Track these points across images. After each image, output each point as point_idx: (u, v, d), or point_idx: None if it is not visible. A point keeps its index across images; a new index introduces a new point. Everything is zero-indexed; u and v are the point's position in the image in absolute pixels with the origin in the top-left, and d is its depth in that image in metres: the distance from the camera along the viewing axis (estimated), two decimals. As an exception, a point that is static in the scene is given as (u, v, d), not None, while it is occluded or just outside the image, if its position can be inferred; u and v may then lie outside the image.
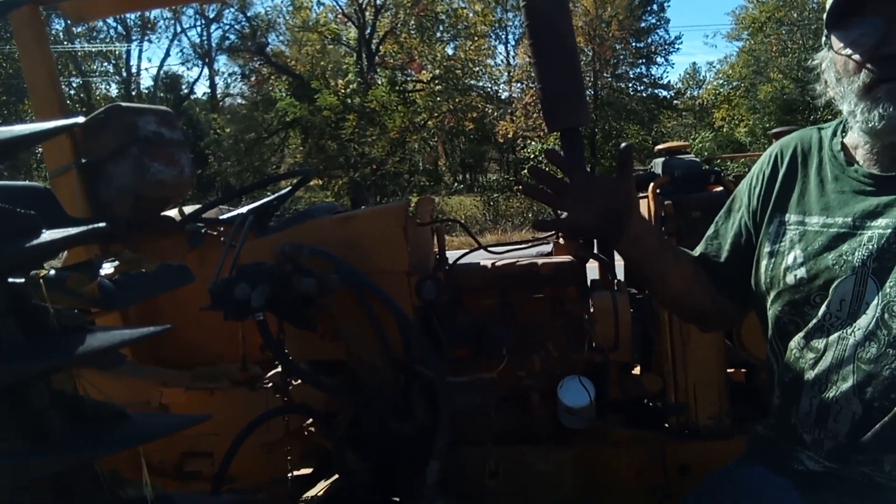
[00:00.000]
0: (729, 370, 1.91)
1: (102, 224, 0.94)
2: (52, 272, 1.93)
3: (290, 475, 1.94)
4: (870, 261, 1.07)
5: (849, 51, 1.08)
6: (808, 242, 1.14)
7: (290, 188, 2.42)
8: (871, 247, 1.07)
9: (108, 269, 2.04)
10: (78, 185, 2.48)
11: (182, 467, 2.14)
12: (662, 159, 2.00)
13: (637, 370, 2.06)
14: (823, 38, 1.17)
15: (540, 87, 2.22)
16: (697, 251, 1.37)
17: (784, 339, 1.20)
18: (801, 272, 1.13)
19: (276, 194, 2.35)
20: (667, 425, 1.90)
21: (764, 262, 1.20)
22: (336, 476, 1.93)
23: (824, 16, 1.13)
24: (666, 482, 1.84)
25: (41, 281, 0.84)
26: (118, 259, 2.10)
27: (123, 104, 2.56)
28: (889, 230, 1.06)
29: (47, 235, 0.84)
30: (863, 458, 1.07)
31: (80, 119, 1.24)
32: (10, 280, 0.85)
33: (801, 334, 1.15)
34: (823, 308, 1.11)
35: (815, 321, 1.12)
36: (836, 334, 1.09)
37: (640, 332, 1.91)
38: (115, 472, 0.79)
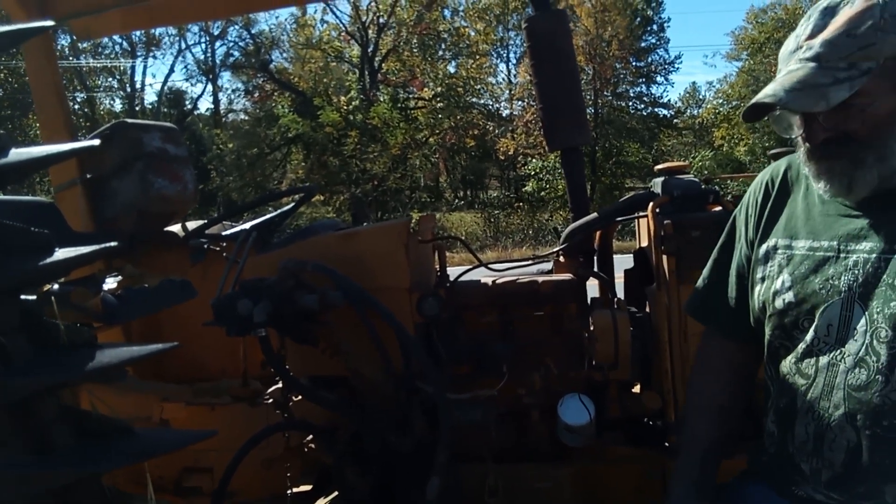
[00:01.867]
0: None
1: (114, 243, 0.95)
2: (56, 286, 1.95)
3: (290, 491, 1.94)
4: (855, 286, 1.08)
5: (788, 133, 1.16)
6: (794, 266, 1.16)
7: (293, 204, 2.44)
8: (856, 272, 1.08)
9: (111, 283, 2.06)
10: (83, 200, 2.50)
11: (182, 483, 2.13)
12: (662, 179, 2.02)
13: (637, 388, 2.06)
14: None
15: (541, 106, 2.27)
16: (695, 295, 1.39)
17: (775, 362, 1.21)
18: (789, 296, 1.15)
19: (280, 210, 2.37)
20: (667, 444, 1.90)
21: (757, 288, 1.22)
22: (336, 492, 1.93)
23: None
24: (665, 500, 1.84)
25: (53, 298, 0.86)
26: (121, 274, 2.12)
27: (129, 121, 2.59)
28: (873, 255, 1.07)
29: (60, 254, 0.85)
30: (863, 488, 1.06)
31: (97, 142, 1.26)
32: (22, 297, 0.86)
33: (791, 358, 1.16)
34: (811, 333, 1.12)
35: (804, 346, 1.13)
36: (825, 359, 1.10)
37: (640, 351, 1.91)
38: (116, 487, 0.80)
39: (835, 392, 1.08)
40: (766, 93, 1.08)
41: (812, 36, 1.07)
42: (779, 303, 1.16)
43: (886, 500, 1.05)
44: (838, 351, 1.09)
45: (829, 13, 1.07)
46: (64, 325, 0.81)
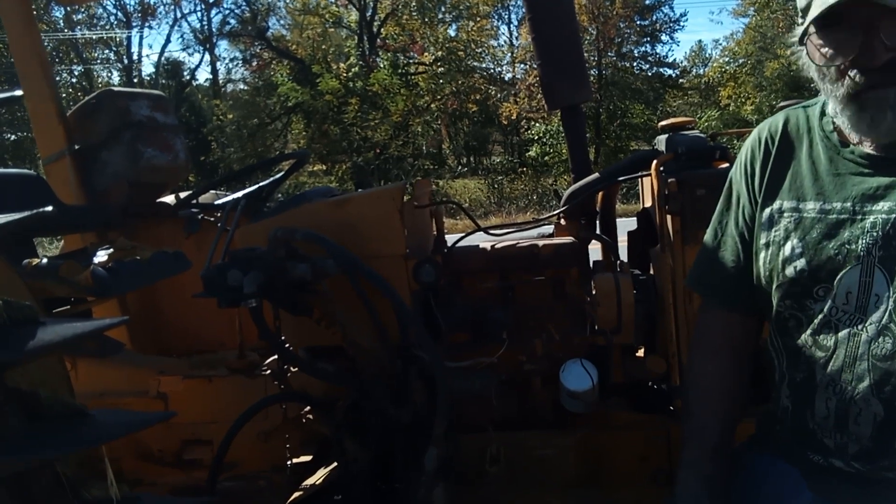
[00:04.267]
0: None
1: (49, 208, 0.90)
2: (45, 260, 1.90)
3: (289, 462, 1.92)
4: (875, 249, 1.01)
5: (829, 55, 1.03)
6: (805, 231, 1.08)
7: (284, 171, 2.38)
8: (874, 234, 1.01)
9: (102, 256, 2.02)
10: (72, 171, 2.45)
11: (182, 455, 2.12)
12: (666, 136, 1.95)
13: (641, 352, 2.02)
14: (799, 27, 1.10)
15: (540, 63, 2.18)
16: (696, 268, 1.30)
17: (784, 335, 1.13)
18: (801, 263, 1.07)
19: (271, 178, 2.31)
20: (671, 408, 1.87)
21: (762, 255, 1.14)
22: (335, 463, 1.91)
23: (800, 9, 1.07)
24: (670, 466, 1.81)
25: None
26: (113, 246, 2.07)
27: (116, 89, 2.53)
28: (893, 215, 1.00)
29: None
30: (889, 462, 1.01)
31: (19, 92, 1.18)
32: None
33: (807, 331, 1.08)
34: (829, 302, 1.05)
35: (821, 316, 1.06)
36: (845, 330, 1.03)
37: (644, 314, 1.87)
38: (79, 471, 0.76)
39: (858, 363, 1.02)
40: None
41: None
42: (790, 271, 1.08)
43: None
44: (859, 320, 1.02)
45: None
46: (3, 301, 0.76)
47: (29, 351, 0.71)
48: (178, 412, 1.58)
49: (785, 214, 1.11)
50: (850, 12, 0.98)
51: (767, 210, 1.14)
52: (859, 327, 1.02)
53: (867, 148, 1.06)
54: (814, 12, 1.01)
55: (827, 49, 1.03)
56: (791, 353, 1.12)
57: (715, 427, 1.21)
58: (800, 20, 1.09)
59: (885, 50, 0.97)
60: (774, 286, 1.12)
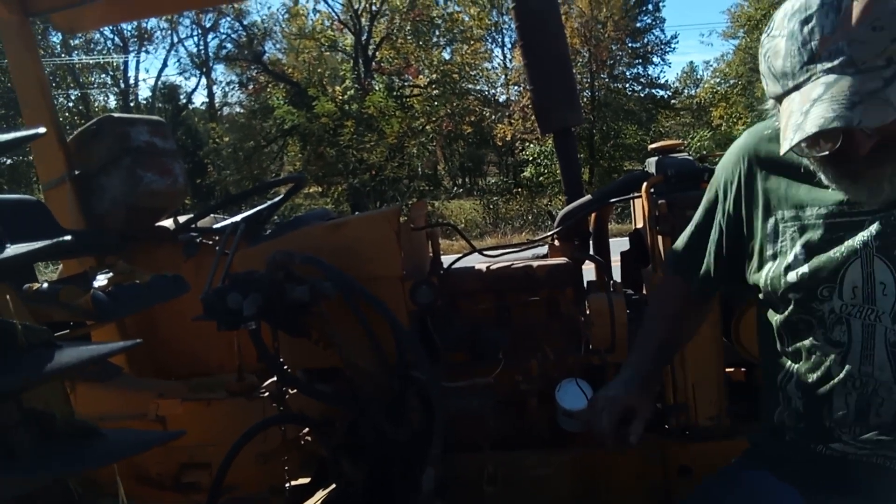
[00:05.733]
0: (728, 369, 1.90)
1: (68, 237, 0.92)
2: (46, 285, 1.92)
3: (288, 484, 1.92)
4: (871, 240, 1.03)
5: (809, 147, 0.98)
6: (807, 236, 1.10)
7: (282, 195, 2.41)
8: (870, 228, 1.03)
9: (101, 280, 2.03)
10: (72, 197, 2.47)
11: (180, 478, 2.12)
12: (656, 158, 1.99)
13: (635, 371, 2.04)
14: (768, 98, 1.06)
15: (532, 88, 2.23)
16: (683, 266, 1.37)
17: (796, 339, 1.14)
18: (804, 268, 1.09)
19: (269, 202, 2.34)
20: (666, 426, 1.88)
21: (768, 265, 1.15)
22: (333, 485, 1.91)
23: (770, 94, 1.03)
24: (666, 483, 1.82)
25: (7, 297, 0.83)
26: (112, 270, 2.09)
27: (115, 115, 2.56)
28: (887, 209, 1.02)
29: (11, 250, 0.82)
30: None
31: (42, 130, 1.20)
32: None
33: (818, 332, 1.10)
34: (836, 300, 1.06)
35: (832, 315, 1.07)
36: (858, 323, 1.05)
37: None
38: (90, 486, 0.77)
39: (876, 354, 1.04)
40: (826, 116, 0.90)
41: (825, 41, 0.92)
42: (792, 276, 1.10)
43: None
44: (870, 311, 1.04)
45: (832, 10, 0.92)
46: (21, 326, 0.78)
47: (47, 373, 0.73)
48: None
49: (788, 223, 1.13)
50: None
51: (771, 221, 1.15)
52: (872, 318, 1.04)
53: None
54: (794, 137, 0.95)
55: (806, 143, 0.97)
56: (801, 356, 1.13)
57: (661, 338, 1.40)
58: (768, 100, 1.06)
59: (867, 137, 0.95)
60: (779, 294, 1.13)
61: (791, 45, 0.96)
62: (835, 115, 0.90)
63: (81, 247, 2.02)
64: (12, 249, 0.84)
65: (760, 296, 1.21)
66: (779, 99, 1.01)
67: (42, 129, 1.15)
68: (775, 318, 1.18)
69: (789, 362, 1.16)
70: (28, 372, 0.74)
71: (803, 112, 0.93)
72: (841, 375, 1.07)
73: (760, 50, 1.03)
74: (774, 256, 1.14)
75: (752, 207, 1.19)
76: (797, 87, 0.96)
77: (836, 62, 0.92)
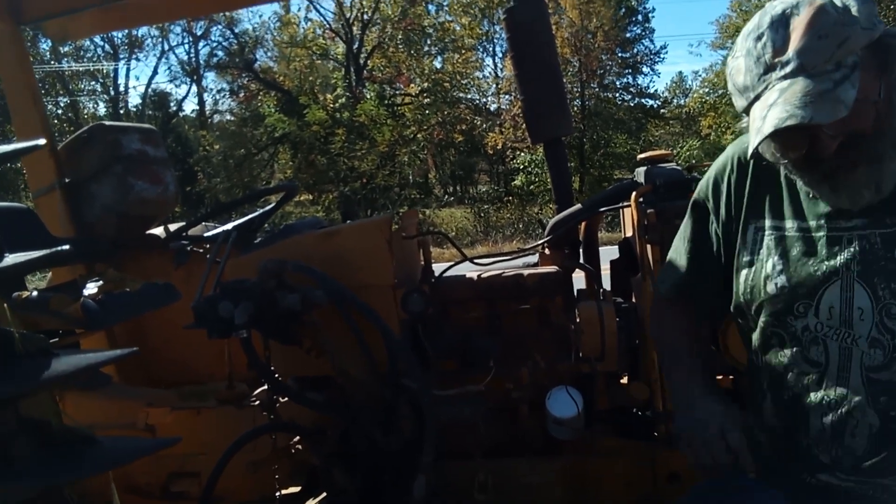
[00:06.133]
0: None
1: (66, 247, 0.93)
2: (35, 293, 1.91)
3: (278, 493, 1.92)
4: (853, 264, 1.05)
5: (780, 153, 1.07)
6: (785, 248, 1.12)
7: (274, 204, 2.42)
8: (851, 249, 1.05)
9: (91, 288, 2.03)
10: (62, 204, 2.46)
11: (169, 488, 2.11)
12: (645, 168, 2.01)
13: (625, 379, 2.05)
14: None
15: (523, 98, 2.25)
16: (675, 278, 1.35)
17: (768, 353, 1.16)
18: (782, 280, 1.11)
19: (261, 210, 2.34)
20: (655, 434, 1.90)
21: (744, 272, 1.17)
22: (324, 494, 1.91)
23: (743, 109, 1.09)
24: (655, 491, 1.83)
25: (5, 305, 0.83)
26: (102, 278, 2.09)
27: (107, 123, 2.55)
28: (867, 231, 1.05)
29: (10, 259, 0.82)
30: (892, 474, 1.04)
31: (42, 142, 1.20)
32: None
33: (793, 349, 1.11)
34: (811, 318, 1.08)
35: (808, 333, 1.09)
36: (834, 344, 1.06)
37: (627, 342, 1.91)
38: (84, 495, 0.77)
39: (852, 377, 1.05)
40: (780, 116, 0.97)
41: (777, 52, 1.00)
42: (771, 287, 1.12)
43: None
44: (847, 334, 1.05)
45: (781, 25, 1.01)
46: (18, 334, 0.78)
47: (44, 381, 0.73)
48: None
49: (767, 233, 1.15)
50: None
51: (750, 228, 1.18)
52: (849, 341, 1.05)
53: None
54: (755, 140, 1.02)
55: (774, 150, 1.06)
56: (776, 371, 1.14)
57: (697, 356, 1.31)
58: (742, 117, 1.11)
59: (830, 138, 1.01)
60: (755, 304, 1.15)
61: (749, 62, 1.04)
62: (788, 114, 0.97)
63: (72, 255, 2.01)
64: (11, 259, 0.84)
65: (733, 305, 1.21)
66: (746, 112, 1.07)
67: (42, 141, 1.16)
68: (748, 329, 1.19)
69: (767, 378, 1.17)
70: (26, 380, 0.74)
71: (762, 118, 1.00)
72: (818, 395, 1.09)
73: (726, 71, 1.11)
74: (751, 264, 1.16)
75: (739, 213, 1.21)
76: (757, 98, 1.03)
77: (788, 69, 1.00)
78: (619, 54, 23.36)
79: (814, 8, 0.99)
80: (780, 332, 1.13)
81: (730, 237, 1.24)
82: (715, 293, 1.27)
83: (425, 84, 20.58)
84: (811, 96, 0.96)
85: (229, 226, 2.31)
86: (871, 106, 1.00)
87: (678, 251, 1.35)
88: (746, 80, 1.04)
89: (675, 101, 27.80)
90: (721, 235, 1.25)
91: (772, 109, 0.99)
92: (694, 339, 1.34)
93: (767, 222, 1.16)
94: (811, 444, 1.10)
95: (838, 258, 1.06)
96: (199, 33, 24.73)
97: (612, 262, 2.23)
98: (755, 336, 1.18)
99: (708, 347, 1.40)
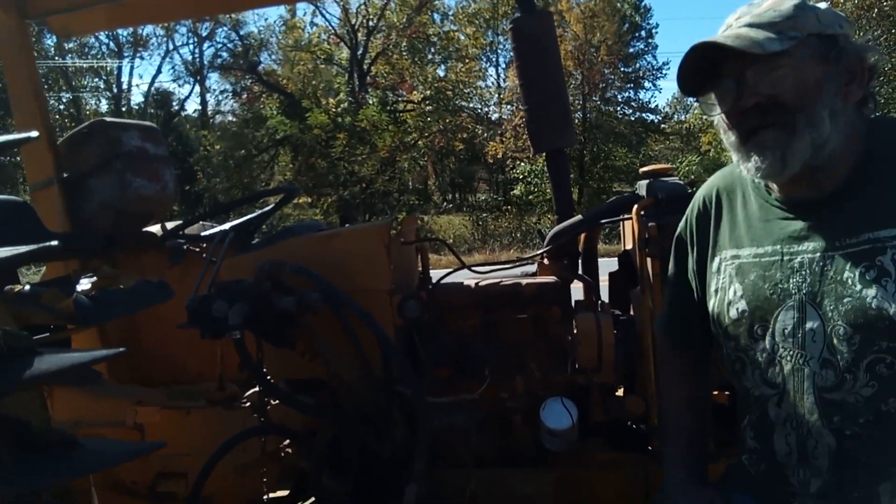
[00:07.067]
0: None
1: (55, 242, 0.91)
2: (28, 287, 1.89)
3: (265, 497, 1.90)
4: (804, 286, 1.08)
5: (717, 111, 1.14)
6: (743, 275, 1.16)
7: (272, 205, 2.40)
8: (803, 273, 1.08)
9: (85, 284, 2.01)
10: (59, 199, 2.45)
11: (155, 488, 2.08)
12: (646, 181, 2.01)
13: (620, 392, 2.04)
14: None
15: (526, 108, 2.24)
16: (666, 314, 1.40)
17: (735, 377, 1.20)
18: (742, 305, 1.15)
19: (259, 212, 2.33)
20: (650, 448, 1.88)
21: (712, 301, 1.22)
22: (313, 499, 1.89)
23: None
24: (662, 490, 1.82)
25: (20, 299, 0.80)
26: (97, 275, 2.07)
27: (108, 119, 2.55)
28: (817, 254, 1.07)
29: (-1, 253, 0.80)
30: (858, 493, 1.04)
31: (35, 134, 1.20)
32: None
33: (754, 370, 1.14)
34: (769, 340, 1.11)
35: (765, 355, 1.12)
36: (789, 366, 1.09)
37: (624, 354, 1.89)
38: (64, 495, 0.75)
39: (806, 397, 1.07)
40: (714, 40, 1.07)
41: (737, 17, 1.12)
42: (733, 313, 1.16)
43: (883, 502, 1.02)
44: (800, 355, 1.08)
45: (754, 5, 1.12)
46: (2, 332, 0.76)
47: (26, 380, 0.71)
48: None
49: (728, 262, 1.20)
50: (725, 67, 1.10)
51: (717, 259, 1.23)
52: (801, 362, 1.08)
53: (788, 194, 1.14)
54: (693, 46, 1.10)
55: (713, 104, 1.14)
56: (744, 394, 1.18)
57: (693, 427, 1.34)
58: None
59: (752, 94, 1.07)
60: (722, 330, 1.20)
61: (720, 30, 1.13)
62: (714, 39, 1.08)
63: (66, 249, 1.99)
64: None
65: (712, 333, 1.25)
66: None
67: (35, 133, 1.14)
68: (724, 356, 1.22)
69: (742, 401, 1.21)
70: (8, 379, 0.72)
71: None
72: (781, 416, 1.11)
73: None
74: (717, 292, 1.21)
75: (706, 248, 1.26)
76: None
77: (739, 24, 1.09)
78: (622, 69, 23.47)
79: None
80: (742, 355, 1.17)
81: (703, 270, 1.28)
82: (702, 326, 1.30)
83: (428, 92, 20.63)
84: (739, 37, 1.06)
85: (227, 226, 2.30)
86: (799, 83, 1.05)
87: (667, 286, 1.41)
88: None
89: (675, 116, 27.91)
90: (696, 271, 1.30)
91: (708, 40, 1.09)
92: (693, 400, 1.36)
93: (729, 252, 1.21)
94: (783, 463, 1.12)
95: (790, 281, 1.09)
96: (204, 34, 24.81)
97: (611, 275, 2.22)
98: (727, 361, 1.22)
99: (706, 410, 1.41)
